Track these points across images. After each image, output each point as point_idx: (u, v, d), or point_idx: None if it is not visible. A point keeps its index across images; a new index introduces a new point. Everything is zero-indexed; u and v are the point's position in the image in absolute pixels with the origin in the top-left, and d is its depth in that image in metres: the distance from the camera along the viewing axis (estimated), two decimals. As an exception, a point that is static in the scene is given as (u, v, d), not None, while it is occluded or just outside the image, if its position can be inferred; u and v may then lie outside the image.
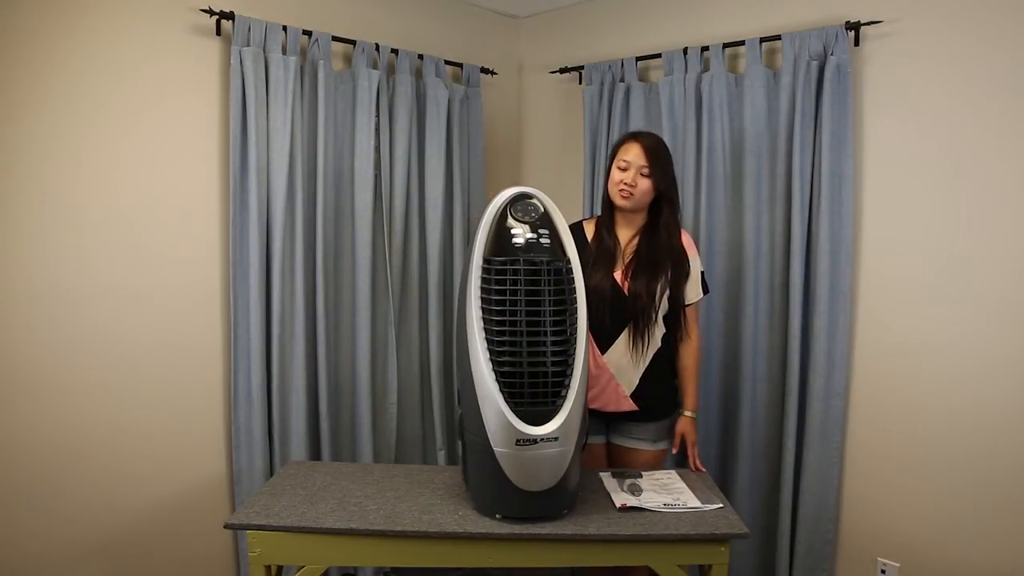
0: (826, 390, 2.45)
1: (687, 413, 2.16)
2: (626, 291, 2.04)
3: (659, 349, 2.10)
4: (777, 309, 2.58)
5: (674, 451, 2.16)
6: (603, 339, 2.06)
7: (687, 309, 2.13)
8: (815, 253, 2.45)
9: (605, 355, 2.07)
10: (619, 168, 2.04)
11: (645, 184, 2.02)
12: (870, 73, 2.39)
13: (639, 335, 2.05)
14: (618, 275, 2.06)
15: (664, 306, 2.07)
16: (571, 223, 2.25)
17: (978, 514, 2.22)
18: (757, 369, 2.62)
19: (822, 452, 2.47)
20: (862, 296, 2.45)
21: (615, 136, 2.90)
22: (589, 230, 2.16)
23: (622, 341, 2.06)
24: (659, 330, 2.08)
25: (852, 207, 2.40)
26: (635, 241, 2.10)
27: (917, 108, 2.30)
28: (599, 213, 2.20)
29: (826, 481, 2.48)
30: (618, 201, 2.05)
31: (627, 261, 2.08)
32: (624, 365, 2.07)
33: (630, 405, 2.10)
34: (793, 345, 2.48)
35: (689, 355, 2.16)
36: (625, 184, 2.02)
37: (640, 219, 2.11)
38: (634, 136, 2.07)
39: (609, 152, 2.12)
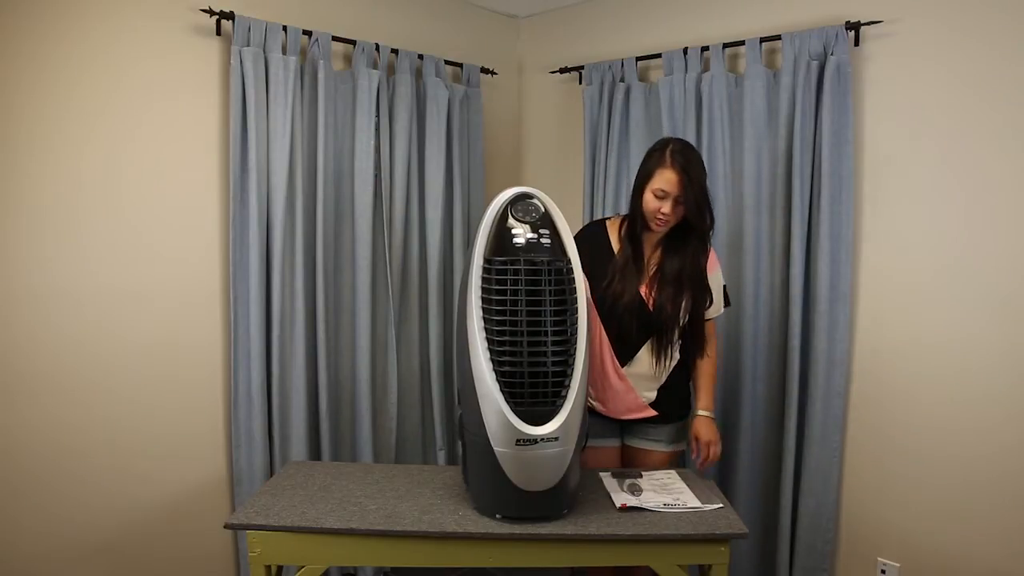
0: (826, 390, 2.45)
1: (701, 412, 2.08)
2: (651, 305, 2.01)
3: (678, 361, 2.08)
4: (777, 309, 2.58)
5: (692, 456, 2.07)
6: (626, 351, 2.04)
7: (707, 323, 2.09)
8: (815, 253, 2.45)
9: (626, 367, 2.05)
10: (655, 195, 1.94)
11: (680, 211, 1.96)
12: (870, 73, 2.39)
13: (662, 349, 2.03)
14: (643, 289, 2.02)
15: (685, 320, 2.04)
16: (594, 221, 2.24)
17: (978, 514, 2.22)
18: (757, 369, 2.62)
19: (822, 452, 2.47)
20: (862, 296, 2.45)
21: (615, 136, 2.90)
22: (613, 233, 2.10)
23: (644, 353, 2.04)
24: (679, 344, 2.07)
25: (852, 207, 2.40)
26: (658, 253, 2.06)
27: (917, 108, 2.30)
28: (621, 212, 2.13)
29: (826, 481, 2.48)
30: (654, 228, 1.99)
31: (651, 274, 2.04)
32: (646, 377, 2.06)
33: (649, 412, 2.08)
34: (793, 345, 2.48)
35: (707, 364, 2.11)
36: (663, 214, 1.94)
37: (664, 231, 2.04)
38: (670, 158, 1.93)
39: (641, 165, 2.01)
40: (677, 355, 2.07)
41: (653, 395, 2.08)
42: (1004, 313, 2.16)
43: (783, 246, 2.55)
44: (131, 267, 2.29)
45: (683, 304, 2.01)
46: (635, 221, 2.03)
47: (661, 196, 1.94)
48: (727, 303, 2.16)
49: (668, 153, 1.94)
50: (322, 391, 2.65)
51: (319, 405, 2.66)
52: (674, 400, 2.11)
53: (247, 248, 2.45)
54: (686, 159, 1.93)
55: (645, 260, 2.05)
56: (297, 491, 1.87)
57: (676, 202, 1.94)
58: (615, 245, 2.08)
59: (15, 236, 2.08)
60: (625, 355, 2.05)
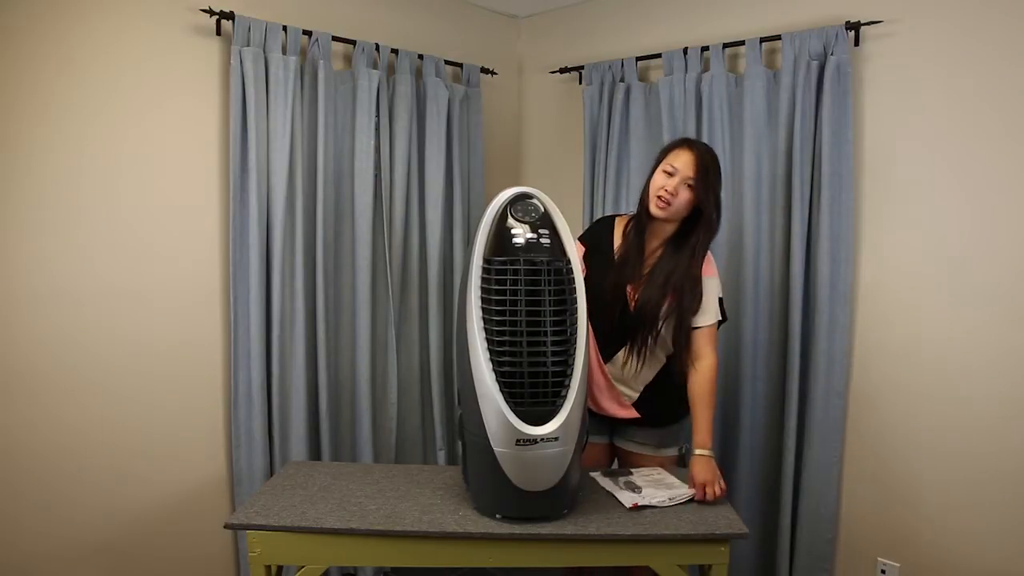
0: (826, 390, 2.45)
1: (697, 451, 1.87)
2: (632, 305, 1.97)
3: (664, 366, 2.02)
4: (777, 309, 2.57)
5: (696, 498, 1.82)
6: (607, 347, 2.03)
7: (697, 332, 1.94)
8: (815, 253, 2.45)
9: (607, 363, 2.04)
10: (665, 172, 1.89)
11: (686, 196, 1.88)
12: (870, 73, 2.39)
13: (638, 351, 1.97)
14: (630, 287, 1.98)
15: (672, 326, 1.95)
16: (605, 216, 2.21)
17: (978, 514, 2.22)
18: (757, 369, 2.62)
19: (822, 452, 2.47)
20: (862, 296, 2.45)
21: (615, 136, 2.90)
22: (619, 230, 2.06)
23: (623, 353, 2.00)
24: (663, 349, 2.00)
25: (852, 207, 2.40)
26: (657, 253, 1.99)
27: (917, 108, 2.30)
28: (633, 211, 2.07)
29: (826, 480, 2.48)
30: (653, 210, 1.90)
31: (644, 274, 1.98)
32: (624, 377, 2.03)
33: (629, 413, 2.06)
34: (793, 345, 2.48)
35: (699, 382, 1.93)
36: (666, 191, 1.87)
37: (671, 228, 1.97)
38: (689, 144, 1.92)
39: (658, 153, 1.99)
40: (663, 360, 2.01)
41: (635, 395, 2.05)
42: (1004, 312, 2.16)
43: (783, 246, 2.55)
44: (131, 267, 2.29)
45: (664, 307, 1.92)
46: (640, 213, 1.98)
47: (670, 173, 1.89)
48: (724, 318, 2.01)
49: (689, 141, 1.95)
50: (322, 391, 2.65)
51: (319, 405, 2.66)
52: (658, 403, 2.04)
53: (247, 248, 2.45)
54: (706, 150, 1.93)
55: (644, 259, 2.00)
56: (297, 491, 1.87)
57: (685, 184, 1.87)
58: (616, 241, 2.05)
59: (15, 236, 2.08)
60: (606, 353, 2.03)
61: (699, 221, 1.93)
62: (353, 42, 2.69)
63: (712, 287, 1.97)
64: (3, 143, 2.04)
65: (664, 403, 2.06)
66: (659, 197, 1.89)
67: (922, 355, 2.33)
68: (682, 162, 1.88)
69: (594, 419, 2.09)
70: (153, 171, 2.31)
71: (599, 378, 2.06)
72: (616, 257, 2.01)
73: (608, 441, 2.17)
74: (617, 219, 2.12)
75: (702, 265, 1.95)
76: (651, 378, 2.03)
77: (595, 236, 2.11)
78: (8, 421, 2.09)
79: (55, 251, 2.14)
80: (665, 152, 1.96)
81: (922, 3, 2.26)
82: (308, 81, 2.59)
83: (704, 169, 1.88)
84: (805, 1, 2.51)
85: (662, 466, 2.08)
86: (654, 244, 2.01)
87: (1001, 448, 2.17)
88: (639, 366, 1.99)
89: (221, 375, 2.51)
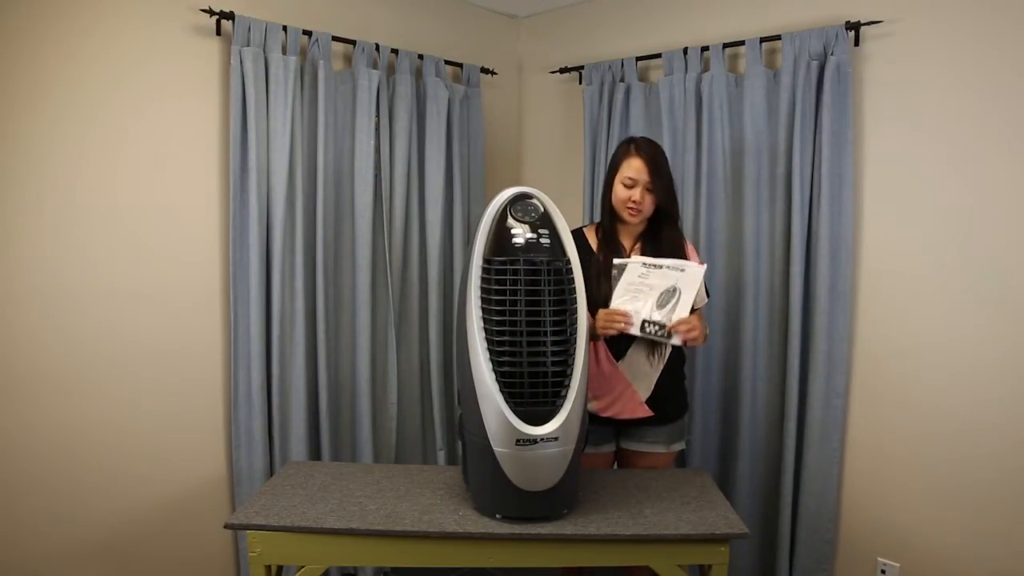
0: (826, 390, 2.45)
1: None
2: None
3: (672, 351, 2.08)
4: (777, 309, 2.58)
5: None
6: (619, 345, 2.05)
7: (694, 314, 2.05)
8: (815, 253, 2.45)
9: (621, 361, 2.05)
10: (624, 185, 2.03)
11: (650, 199, 2.04)
12: (870, 73, 2.39)
13: (656, 343, 2.02)
14: None
15: None
16: (572, 229, 2.25)
17: (978, 514, 2.22)
18: (757, 369, 2.62)
19: (822, 452, 2.47)
20: (862, 296, 2.45)
21: (615, 136, 2.90)
22: (591, 237, 2.15)
23: (637, 348, 2.04)
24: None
25: (852, 207, 2.40)
26: (638, 248, 2.10)
27: (917, 108, 2.30)
28: (598, 220, 2.19)
29: (826, 481, 2.48)
30: (627, 218, 2.06)
31: None
32: (644, 370, 2.06)
33: (646, 411, 2.08)
34: (793, 345, 2.48)
35: None
36: (633, 203, 2.02)
37: (641, 226, 2.12)
38: (635, 148, 2.05)
39: (609, 162, 2.13)
40: (669, 347, 2.07)
41: (652, 388, 2.07)
42: (1005, 312, 2.16)
43: (783, 246, 2.55)
44: (131, 267, 2.29)
45: None
46: (608, 218, 2.10)
47: (630, 185, 2.02)
48: (707, 296, 2.15)
49: (633, 146, 2.06)
50: (322, 391, 2.65)
51: (319, 405, 2.66)
52: (672, 399, 2.11)
53: (247, 248, 2.45)
54: (651, 149, 2.05)
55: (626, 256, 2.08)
56: (297, 491, 1.87)
57: (645, 190, 2.02)
58: (595, 247, 2.12)
59: (15, 236, 2.08)
60: (619, 349, 2.05)
61: (662, 217, 2.08)
62: (353, 42, 2.69)
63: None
64: (3, 143, 2.04)
65: (674, 395, 2.12)
66: (629, 208, 2.04)
67: (922, 355, 2.32)
68: (635, 170, 2.02)
69: (599, 428, 2.10)
70: (153, 171, 2.31)
71: (614, 380, 2.07)
72: (602, 263, 2.06)
73: (614, 449, 2.18)
74: (585, 229, 2.20)
75: (684, 250, 2.10)
76: (663, 364, 2.07)
77: (578, 246, 2.11)
78: (8, 422, 2.09)
79: (55, 251, 2.15)
80: (617, 163, 2.07)
81: (922, 3, 2.26)
82: (308, 81, 2.59)
83: (656, 169, 2.02)
84: (805, 1, 2.51)
85: (670, 463, 2.16)
86: (630, 243, 2.13)
87: (1002, 448, 2.17)
88: (662, 351, 2.05)
89: (221, 375, 2.51)
